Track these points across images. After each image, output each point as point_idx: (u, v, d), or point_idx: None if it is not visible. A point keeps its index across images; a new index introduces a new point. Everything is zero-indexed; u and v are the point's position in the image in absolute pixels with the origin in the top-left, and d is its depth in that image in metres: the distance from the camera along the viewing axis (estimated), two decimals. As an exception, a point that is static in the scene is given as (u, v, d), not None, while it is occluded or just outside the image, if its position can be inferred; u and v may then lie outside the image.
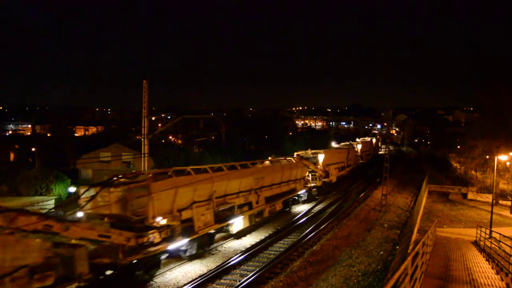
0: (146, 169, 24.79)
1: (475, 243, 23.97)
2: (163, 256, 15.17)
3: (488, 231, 24.38)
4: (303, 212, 26.62)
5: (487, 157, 44.15)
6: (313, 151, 35.22)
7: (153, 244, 14.17)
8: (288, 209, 27.35)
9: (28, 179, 34.31)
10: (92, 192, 14.12)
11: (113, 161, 45.19)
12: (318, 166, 33.74)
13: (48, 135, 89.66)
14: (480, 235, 23.30)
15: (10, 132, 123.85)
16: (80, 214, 14.07)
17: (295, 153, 33.20)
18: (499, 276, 13.42)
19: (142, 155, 25.02)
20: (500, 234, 20.81)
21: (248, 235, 20.95)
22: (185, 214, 16.15)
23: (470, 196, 44.72)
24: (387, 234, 23.18)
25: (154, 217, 14.46)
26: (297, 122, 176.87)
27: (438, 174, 55.59)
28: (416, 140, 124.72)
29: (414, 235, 23.02)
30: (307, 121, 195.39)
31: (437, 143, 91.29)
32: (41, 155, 49.27)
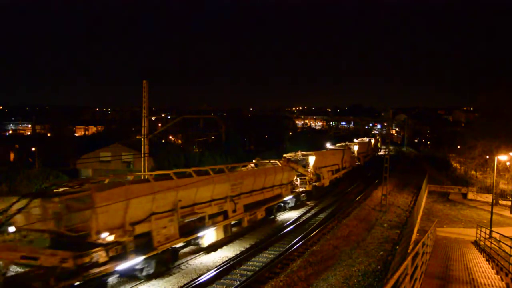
0: (146, 169, 24.80)
1: (475, 243, 23.98)
2: (112, 278, 13.10)
3: (488, 231, 24.39)
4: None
5: (487, 157, 44.19)
6: (303, 153, 33.26)
7: (97, 265, 12.17)
8: (273, 217, 25.03)
9: (28, 179, 34.31)
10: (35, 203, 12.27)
11: (113, 161, 45.23)
12: (309, 169, 31.59)
13: (48, 135, 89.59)
14: (480, 235, 23.31)
15: (10, 132, 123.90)
16: (12, 229, 12.42)
17: (284, 155, 31.30)
18: (499, 276, 13.42)
19: (142, 155, 24.99)
20: (500, 234, 20.81)
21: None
22: (141, 228, 13.98)
23: (470, 196, 44.74)
24: (387, 234, 23.20)
25: (98, 233, 12.41)
26: (297, 122, 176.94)
27: (438, 174, 55.67)
28: (416, 140, 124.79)
29: (414, 235, 23.04)
30: (307, 121, 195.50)
31: (437, 143, 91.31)
32: (41, 155, 49.32)
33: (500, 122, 42.13)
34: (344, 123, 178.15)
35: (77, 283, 11.57)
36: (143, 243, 14.16)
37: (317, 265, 16.82)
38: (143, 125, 24.49)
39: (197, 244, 17.56)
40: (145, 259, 13.85)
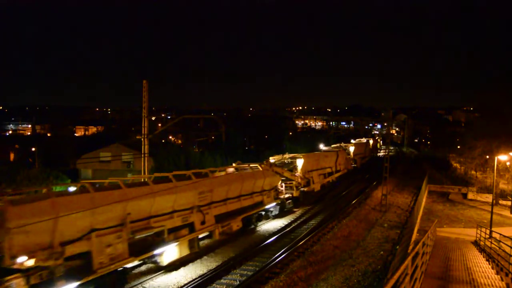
0: (146, 169, 24.81)
1: (475, 243, 23.97)
2: None
3: (488, 231, 24.39)
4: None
5: (487, 157, 44.19)
6: (291, 155, 31.15)
7: None
8: (253, 226, 22.38)
9: (28, 179, 34.33)
10: None
11: (113, 161, 45.24)
12: (297, 173, 29.41)
13: (48, 135, 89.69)
14: (480, 235, 23.31)
15: (10, 132, 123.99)
16: None
17: (270, 158, 29.40)
18: (499, 276, 13.42)
19: (142, 155, 25.01)
20: (500, 234, 20.80)
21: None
22: (76, 248, 11.82)
23: (470, 196, 44.77)
24: (387, 234, 23.20)
25: (14, 257, 10.34)
26: (297, 122, 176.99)
27: (438, 174, 55.66)
28: (416, 140, 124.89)
29: (414, 235, 23.05)
30: (307, 121, 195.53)
31: (437, 143, 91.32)
32: (41, 155, 49.33)
33: (500, 122, 42.15)
34: (344, 123, 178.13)
35: None
36: (79, 266, 12.08)
37: (317, 265, 16.82)
38: (143, 125, 24.51)
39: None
40: (79, 285, 11.54)
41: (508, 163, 39.83)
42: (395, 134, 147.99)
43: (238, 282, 14.27)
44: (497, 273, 14.07)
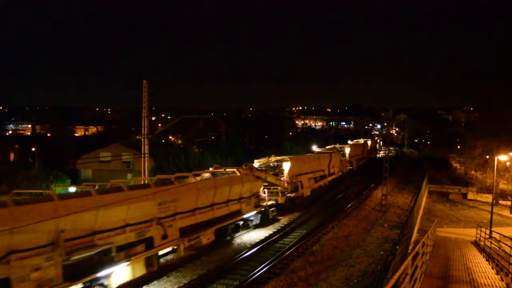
0: (146, 169, 24.81)
1: (475, 243, 23.98)
2: None
3: (488, 231, 24.39)
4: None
5: (487, 157, 44.16)
6: (278, 158, 28.67)
7: None
8: (229, 238, 20.12)
9: (28, 179, 34.37)
10: None
11: (113, 161, 45.28)
12: (283, 178, 27.09)
13: (48, 135, 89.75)
14: (480, 235, 23.31)
15: (10, 132, 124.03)
16: None
17: (255, 161, 27.43)
18: (499, 276, 13.42)
19: (142, 155, 25.00)
20: (500, 234, 20.80)
21: None
22: None
23: (470, 196, 44.80)
24: (387, 234, 23.20)
25: None
26: (297, 122, 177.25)
27: (438, 174, 55.65)
28: (416, 140, 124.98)
29: (414, 235, 23.04)
30: (307, 121, 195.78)
31: (437, 143, 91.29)
32: (41, 155, 49.36)
33: (500, 122, 42.14)
34: (344, 123, 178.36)
35: None
36: None
37: (317, 265, 16.82)
38: (143, 125, 24.51)
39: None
40: None
41: (508, 163, 39.81)
42: (395, 134, 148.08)
43: None
44: (497, 273, 14.07)
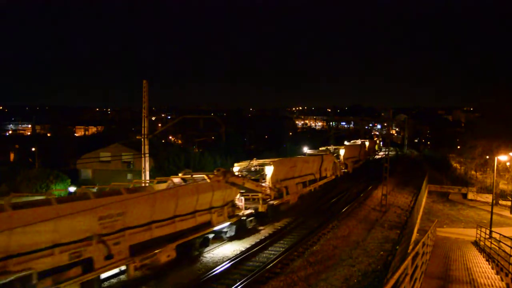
0: (146, 169, 24.81)
1: (475, 243, 23.99)
2: None
3: (488, 231, 24.40)
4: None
5: (487, 157, 44.21)
6: (260, 161, 26.41)
7: None
8: (197, 253, 17.59)
9: (28, 179, 34.37)
10: None
11: (113, 161, 45.30)
12: (265, 183, 24.63)
13: (48, 135, 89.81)
14: (480, 235, 23.32)
15: (10, 132, 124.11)
16: None
17: (235, 165, 25.70)
18: (499, 276, 13.43)
19: (142, 155, 25.00)
20: (500, 234, 20.81)
21: None
22: None
23: (470, 196, 44.82)
24: (387, 234, 23.20)
25: None
26: (297, 122, 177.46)
27: (438, 174, 55.68)
28: (416, 140, 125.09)
29: (414, 235, 23.05)
30: (307, 121, 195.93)
31: (437, 143, 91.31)
32: (41, 155, 49.45)
33: (500, 122, 42.18)
34: (344, 123, 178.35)
35: None
36: None
37: (317, 265, 16.82)
38: (143, 125, 24.50)
39: None
40: None
41: (508, 163, 39.85)
42: (395, 134, 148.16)
43: None
44: (497, 273, 14.08)
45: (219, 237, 19.86)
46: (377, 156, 77.47)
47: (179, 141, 79.42)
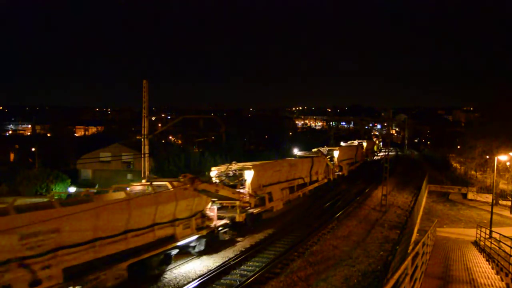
0: (146, 169, 24.82)
1: (475, 243, 23.99)
2: None
3: (488, 231, 24.40)
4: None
5: (487, 157, 44.24)
6: (240, 165, 23.73)
7: None
8: (157, 272, 15.35)
9: (28, 179, 34.39)
10: None
11: (113, 161, 45.26)
12: (244, 189, 22.29)
13: (48, 135, 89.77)
14: (480, 235, 23.32)
15: (10, 132, 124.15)
16: None
17: (213, 169, 23.86)
18: (499, 276, 13.43)
19: (142, 155, 25.01)
20: (500, 234, 20.81)
21: None
22: None
23: (470, 196, 44.82)
24: (387, 234, 23.20)
25: None
26: (297, 122, 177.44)
27: (438, 174, 55.70)
28: (416, 140, 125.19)
29: (414, 235, 23.05)
30: (307, 121, 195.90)
31: (437, 143, 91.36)
32: (41, 155, 49.43)
33: (500, 122, 42.22)
34: (344, 123, 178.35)
35: None
36: None
37: (317, 265, 16.82)
38: (143, 125, 24.50)
39: None
40: None
41: (508, 163, 39.86)
42: (395, 134, 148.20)
43: None
44: (497, 273, 14.08)
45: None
46: (376, 157, 76.18)
47: (179, 141, 79.42)
